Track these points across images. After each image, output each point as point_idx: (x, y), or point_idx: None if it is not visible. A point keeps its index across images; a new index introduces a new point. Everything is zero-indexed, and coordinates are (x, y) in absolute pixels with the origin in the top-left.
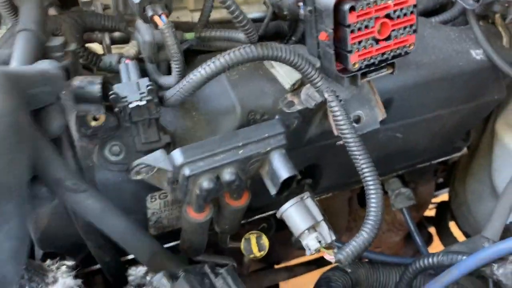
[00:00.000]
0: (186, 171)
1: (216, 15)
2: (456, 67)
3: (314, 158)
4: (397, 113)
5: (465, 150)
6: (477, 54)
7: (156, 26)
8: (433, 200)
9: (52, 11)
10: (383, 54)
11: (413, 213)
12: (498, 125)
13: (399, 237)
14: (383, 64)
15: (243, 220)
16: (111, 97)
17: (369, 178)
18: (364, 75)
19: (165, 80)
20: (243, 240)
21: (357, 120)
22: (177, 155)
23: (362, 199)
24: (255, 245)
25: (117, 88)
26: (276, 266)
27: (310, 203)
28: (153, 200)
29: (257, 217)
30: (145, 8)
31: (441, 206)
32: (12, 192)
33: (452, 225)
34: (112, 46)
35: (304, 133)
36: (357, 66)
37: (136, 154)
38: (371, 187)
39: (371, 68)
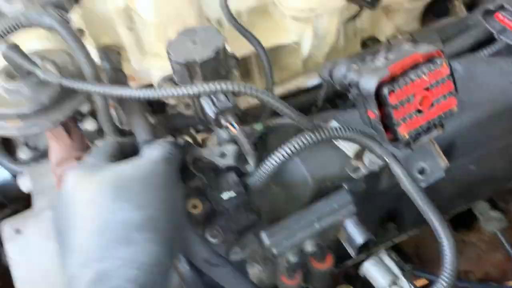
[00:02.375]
0: (274, 251)
1: (279, 90)
2: None
3: (392, 204)
4: (464, 150)
5: None
6: None
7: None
8: None
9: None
10: (429, 121)
11: (510, 231)
12: None
13: (503, 254)
14: (432, 127)
15: (339, 267)
16: (207, 193)
17: (438, 228)
18: (416, 138)
19: (246, 167)
20: None
21: (421, 171)
22: (265, 238)
23: (455, 224)
24: None
25: (209, 182)
26: None
27: (387, 260)
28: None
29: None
30: (219, 119)
31: None
32: (167, 269)
33: None
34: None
35: (376, 186)
36: (406, 136)
37: (231, 235)
38: (442, 237)
39: (421, 133)
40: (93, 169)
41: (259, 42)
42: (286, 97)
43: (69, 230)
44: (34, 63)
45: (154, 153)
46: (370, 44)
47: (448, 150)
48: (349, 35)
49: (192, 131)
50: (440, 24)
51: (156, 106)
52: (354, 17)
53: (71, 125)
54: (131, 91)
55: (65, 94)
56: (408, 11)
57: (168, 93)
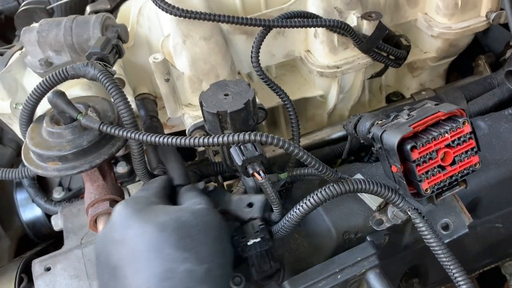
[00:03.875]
0: None
1: (305, 141)
2: None
3: (415, 259)
4: (489, 207)
5: None
6: None
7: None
8: None
9: None
10: (451, 176)
11: None
12: None
13: None
14: (455, 183)
15: None
16: (233, 237)
17: (460, 280)
18: (439, 194)
19: (271, 215)
20: None
21: (445, 227)
22: (287, 287)
23: (483, 283)
24: None
25: (236, 230)
26: None
27: None
28: None
29: None
30: (246, 167)
31: None
32: None
33: None
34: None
35: (399, 241)
36: (429, 191)
37: (255, 282)
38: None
39: (444, 188)
40: (148, 206)
41: (286, 95)
42: (311, 148)
43: (123, 267)
44: (77, 110)
45: (199, 200)
46: (394, 98)
47: (473, 206)
48: (374, 90)
49: (219, 177)
50: (464, 82)
51: (186, 152)
52: (379, 73)
53: (106, 168)
54: (166, 139)
55: (104, 139)
56: (433, 69)
57: (200, 142)
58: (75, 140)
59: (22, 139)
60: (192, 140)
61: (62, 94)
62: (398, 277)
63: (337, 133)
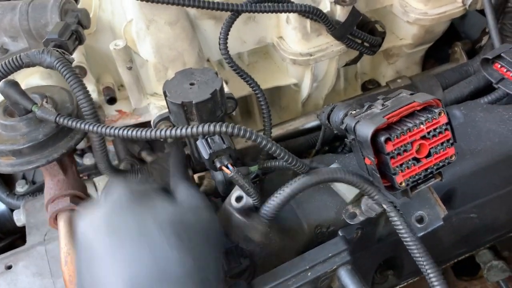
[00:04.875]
0: None
1: (278, 131)
2: None
3: (389, 252)
4: (464, 198)
5: None
6: None
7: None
8: None
9: (145, 155)
10: (426, 169)
11: None
12: None
13: None
14: (430, 175)
15: None
16: None
17: (432, 276)
18: (414, 187)
19: None
20: None
21: (420, 220)
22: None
23: (459, 271)
24: None
25: None
26: None
27: None
28: None
29: None
30: (214, 161)
31: None
32: None
33: None
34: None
35: (373, 234)
36: (403, 184)
37: (223, 280)
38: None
39: (419, 181)
40: (149, 198)
41: (257, 84)
42: (285, 138)
43: (112, 256)
44: (31, 101)
45: (195, 198)
46: (370, 86)
47: (448, 198)
48: (349, 78)
49: (189, 171)
50: (441, 69)
51: (155, 144)
52: (354, 61)
53: (67, 161)
54: (128, 131)
55: (62, 132)
56: (409, 56)
57: (164, 135)
58: (30, 133)
59: None
60: (156, 132)
61: (15, 84)
62: (372, 269)
63: (311, 122)
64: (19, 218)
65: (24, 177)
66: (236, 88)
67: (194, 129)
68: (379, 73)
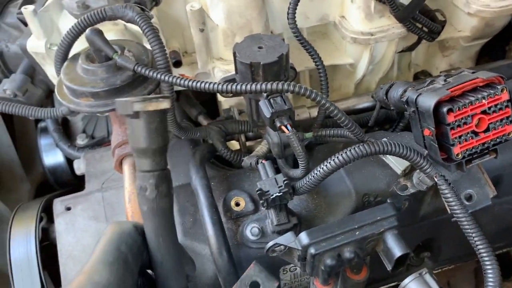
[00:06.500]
0: (312, 250)
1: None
2: None
3: (430, 232)
4: (509, 187)
5: None
6: None
7: (282, 132)
8: None
9: (202, 119)
10: (483, 143)
11: None
12: None
13: None
14: (486, 151)
15: None
16: (258, 192)
17: (484, 254)
18: (468, 161)
19: (293, 172)
20: None
21: (469, 198)
22: (304, 237)
23: None
24: None
25: (260, 184)
26: None
27: (429, 278)
28: (285, 272)
29: None
30: (274, 120)
31: None
32: None
33: None
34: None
35: (417, 211)
36: (460, 156)
37: (271, 235)
38: (487, 262)
39: (474, 156)
40: None
41: (319, 56)
42: None
43: None
44: (113, 49)
45: None
46: (422, 77)
47: (494, 184)
48: (402, 67)
49: (242, 136)
50: (496, 64)
51: (210, 108)
52: (411, 48)
53: None
54: (201, 83)
55: (137, 81)
56: (464, 49)
57: (233, 89)
58: (108, 79)
59: (55, 77)
60: (225, 86)
61: (100, 32)
62: (411, 249)
63: (363, 103)
64: (79, 167)
65: (84, 131)
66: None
67: (264, 86)
68: (433, 65)
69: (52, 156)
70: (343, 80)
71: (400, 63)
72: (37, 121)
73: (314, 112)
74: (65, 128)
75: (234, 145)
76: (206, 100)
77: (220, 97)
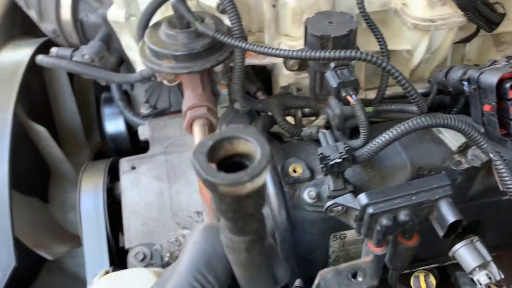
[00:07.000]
0: (370, 210)
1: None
2: None
3: (477, 214)
4: None
5: None
6: None
7: (347, 102)
8: None
9: (260, 95)
10: None
11: None
12: None
13: None
14: None
15: (409, 270)
16: (319, 156)
17: None
18: None
19: (352, 142)
20: (412, 277)
21: None
22: (363, 197)
23: None
24: (423, 282)
25: (321, 150)
26: None
27: (479, 245)
28: (335, 239)
29: (421, 268)
30: (340, 90)
31: None
32: None
33: None
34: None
35: (467, 189)
36: None
37: (326, 199)
38: None
39: None
40: None
41: (383, 38)
42: (391, 99)
43: None
44: (195, 17)
45: None
46: None
47: None
48: (455, 60)
49: (299, 112)
50: None
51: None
52: (467, 39)
53: (206, 80)
54: (276, 50)
55: (214, 47)
56: None
57: (310, 54)
58: (189, 44)
59: (129, 47)
60: (300, 53)
61: (184, 1)
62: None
63: (418, 90)
64: (143, 132)
65: (147, 101)
66: None
67: (336, 53)
68: (486, 60)
69: (114, 124)
70: (399, 66)
71: (453, 55)
72: (97, 92)
73: (371, 95)
74: (129, 99)
75: (289, 120)
76: (262, 80)
77: (277, 76)
